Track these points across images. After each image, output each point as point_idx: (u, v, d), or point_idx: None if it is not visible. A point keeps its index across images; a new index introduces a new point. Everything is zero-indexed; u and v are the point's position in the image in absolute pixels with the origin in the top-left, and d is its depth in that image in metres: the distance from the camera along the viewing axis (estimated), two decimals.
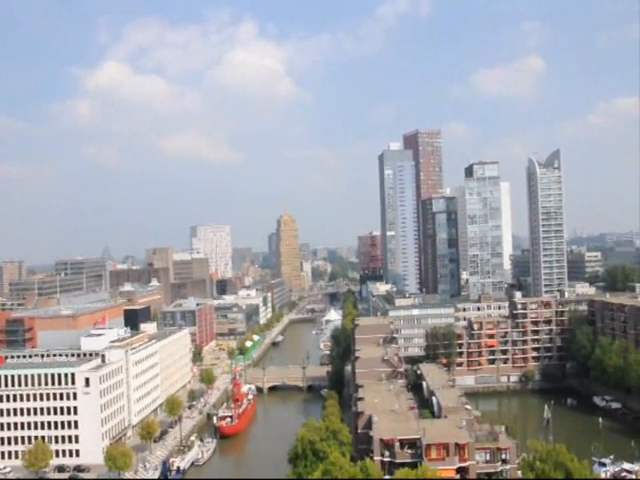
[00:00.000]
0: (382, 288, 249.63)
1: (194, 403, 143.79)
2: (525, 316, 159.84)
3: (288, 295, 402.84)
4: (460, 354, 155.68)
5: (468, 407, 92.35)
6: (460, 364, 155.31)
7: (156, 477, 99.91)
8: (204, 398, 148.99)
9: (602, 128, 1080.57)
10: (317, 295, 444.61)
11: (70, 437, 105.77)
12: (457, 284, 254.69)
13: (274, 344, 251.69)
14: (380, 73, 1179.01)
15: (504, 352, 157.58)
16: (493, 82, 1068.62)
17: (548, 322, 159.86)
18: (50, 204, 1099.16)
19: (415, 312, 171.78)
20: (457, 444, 70.70)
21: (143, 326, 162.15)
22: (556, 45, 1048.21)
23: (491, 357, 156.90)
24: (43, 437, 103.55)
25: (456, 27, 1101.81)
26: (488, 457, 72.05)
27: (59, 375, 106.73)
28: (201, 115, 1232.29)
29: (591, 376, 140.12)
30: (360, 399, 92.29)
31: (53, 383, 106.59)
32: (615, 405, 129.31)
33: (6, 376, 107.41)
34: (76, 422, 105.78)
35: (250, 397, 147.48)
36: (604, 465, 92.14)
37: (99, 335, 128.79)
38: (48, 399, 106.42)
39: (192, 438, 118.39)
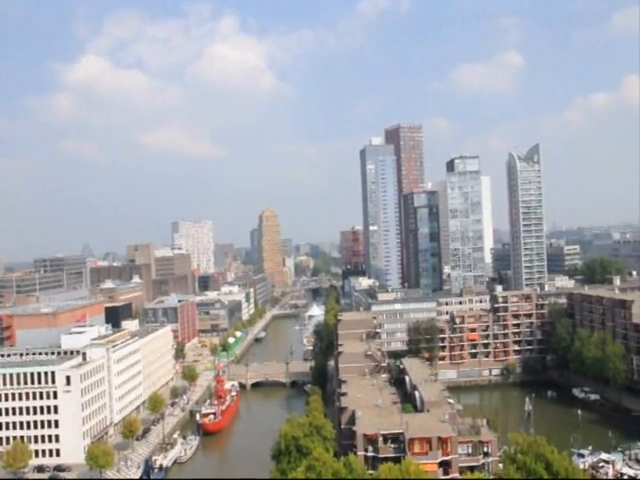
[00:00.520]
0: (364, 283, 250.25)
1: (177, 400, 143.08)
2: (506, 310, 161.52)
3: (271, 291, 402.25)
4: (442, 348, 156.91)
5: (450, 401, 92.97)
6: (442, 358, 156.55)
7: (138, 476, 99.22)
8: (187, 395, 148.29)
9: (580, 123, 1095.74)
10: (300, 290, 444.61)
11: (50, 436, 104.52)
12: (439, 278, 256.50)
13: (257, 340, 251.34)
14: (361, 68, 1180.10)
15: (486, 346, 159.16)
16: (473, 77, 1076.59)
17: (529, 315, 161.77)
18: (29, 200, 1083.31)
19: (397, 307, 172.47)
20: (440, 438, 71.23)
21: (125, 323, 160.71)
22: (534, 41, 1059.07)
23: (473, 351, 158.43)
24: (22, 437, 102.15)
25: (436, 23, 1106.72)
26: (470, 450, 72.74)
27: (39, 374, 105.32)
28: (183, 110, 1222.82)
29: (571, 368, 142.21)
30: (343, 394, 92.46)
31: (33, 382, 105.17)
32: (594, 396, 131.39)
33: None
34: (56, 421, 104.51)
35: (233, 394, 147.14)
36: (583, 456, 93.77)
37: (80, 333, 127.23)
38: (28, 398, 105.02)
39: (175, 435, 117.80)
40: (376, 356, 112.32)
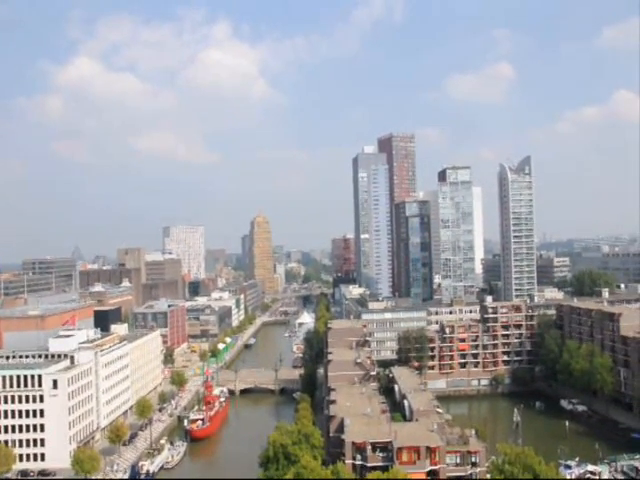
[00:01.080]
0: (355, 291, 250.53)
1: (165, 406, 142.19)
2: (496, 320, 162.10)
3: (261, 297, 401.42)
4: (432, 357, 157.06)
5: (439, 410, 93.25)
6: (432, 367, 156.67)
7: None
8: (175, 401, 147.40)
9: (570, 136, 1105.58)
10: (290, 297, 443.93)
11: (35, 441, 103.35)
12: (430, 288, 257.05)
13: (247, 346, 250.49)
14: (354, 76, 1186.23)
15: (475, 356, 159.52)
16: (465, 88, 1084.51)
17: (518, 326, 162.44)
18: (18, 201, 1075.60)
19: (388, 315, 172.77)
20: (428, 447, 71.37)
21: (114, 327, 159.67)
22: (525, 53, 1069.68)
23: (462, 361, 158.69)
24: (7, 441, 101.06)
25: (428, 34, 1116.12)
26: (458, 460, 72.88)
27: (25, 377, 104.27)
28: (175, 114, 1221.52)
29: (559, 379, 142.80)
30: (332, 402, 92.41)
31: (19, 385, 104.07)
32: (581, 408, 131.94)
33: None
34: (42, 425, 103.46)
35: (222, 400, 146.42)
36: (570, 467, 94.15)
37: (68, 336, 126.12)
38: (13, 402, 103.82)
39: (162, 441, 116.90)
40: (366, 364, 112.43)
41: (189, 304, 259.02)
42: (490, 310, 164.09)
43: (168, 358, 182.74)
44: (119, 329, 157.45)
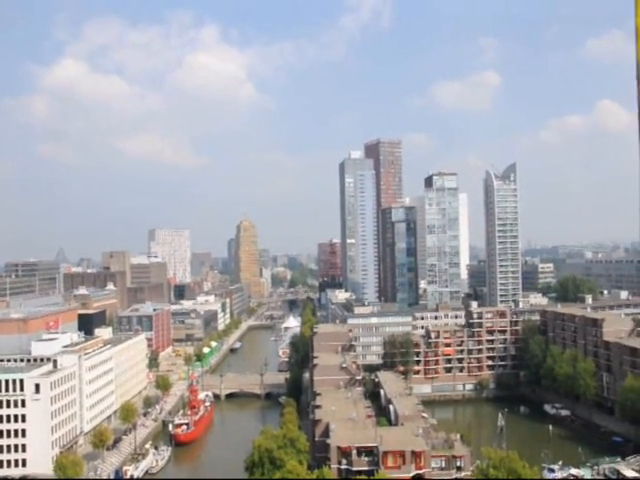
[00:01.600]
0: (341, 296, 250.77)
1: (149, 410, 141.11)
2: (481, 325, 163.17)
3: (247, 301, 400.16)
4: (417, 362, 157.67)
5: (424, 415, 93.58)
6: (417, 372, 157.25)
7: None
8: (160, 405, 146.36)
9: (555, 144, 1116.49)
10: (276, 302, 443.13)
11: (17, 446, 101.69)
12: (415, 293, 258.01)
13: (232, 351, 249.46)
14: (342, 81, 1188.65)
15: (460, 361, 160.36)
16: (452, 94, 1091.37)
17: (503, 331, 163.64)
18: (2, 202, 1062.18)
19: (373, 320, 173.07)
20: (413, 452, 71.68)
21: (98, 331, 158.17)
22: (511, 62, 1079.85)
23: (447, 365, 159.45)
24: None
25: (416, 40, 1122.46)
26: (443, 464, 73.27)
27: (7, 381, 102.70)
28: (162, 117, 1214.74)
29: (543, 384, 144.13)
30: (318, 407, 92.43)
31: (0, 390, 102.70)
32: (564, 412, 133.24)
33: None
34: (24, 430, 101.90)
35: (207, 404, 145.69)
36: (553, 471, 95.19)
37: (51, 340, 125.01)
38: None
39: (146, 446, 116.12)
40: (351, 369, 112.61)
41: (174, 308, 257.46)
42: (475, 315, 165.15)
43: (153, 362, 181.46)
44: (103, 333, 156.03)
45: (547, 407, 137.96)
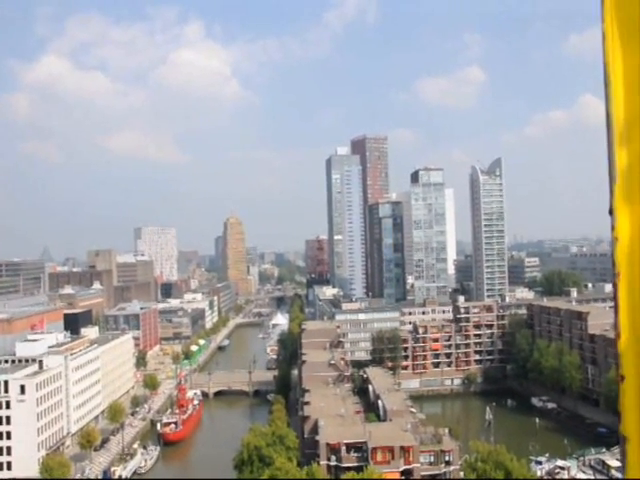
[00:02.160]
0: (329, 292, 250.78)
1: (137, 409, 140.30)
2: (468, 320, 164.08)
3: (235, 299, 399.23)
4: (405, 358, 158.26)
5: (413, 410, 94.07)
6: (405, 367, 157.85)
7: None
8: (148, 404, 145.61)
9: (539, 139, 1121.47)
10: (264, 299, 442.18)
11: (2, 449, 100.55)
12: (403, 288, 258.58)
13: (220, 348, 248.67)
14: (327, 78, 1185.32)
15: (448, 355, 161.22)
16: (437, 90, 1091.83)
17: (490, 326, 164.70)
18: None
19: (361, 316, 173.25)
20: (402, 447, 71.97)
21: (84, 330, 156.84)
22: (495, 58, 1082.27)
23: (435, 360, 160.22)
24: None
25: (400, 37, 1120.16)
26: (432, 459, 73.65)
27: None
28: (147, 114, 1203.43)
29: (529, 378, 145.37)
30: (306, 403, 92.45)
31: None
32: (551, 405, 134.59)
33: None
34: (9, 433, 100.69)
35: (195, 403, 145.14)
36: (540, 463, 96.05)
37: (36, 340, 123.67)
38: None
39: (135, 446, 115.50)
40: (339, 365, 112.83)
41: (161, 306, 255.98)
42: (462, 310, 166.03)
43: (140, 361, 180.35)
44: (90, 332, 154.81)
45: (534, 400, 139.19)
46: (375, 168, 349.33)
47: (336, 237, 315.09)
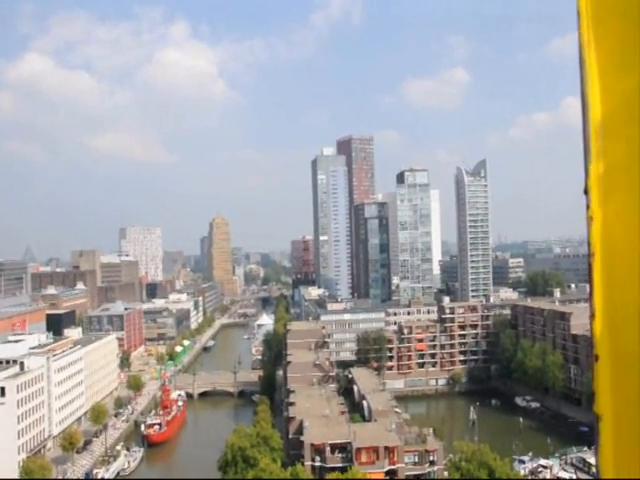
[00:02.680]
0: (314, 293, 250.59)
1: (121, 411, 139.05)
2: (453, 320, 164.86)
3: (220, 299, 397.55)
4: (390, 358, 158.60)
5: (398, 410, 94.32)
6: (390, 368, 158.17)
7: None
8: (131, 405, 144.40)
9: (523, 141, 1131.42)
10: (249, 299, 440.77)
11: None
12: (388, 289, 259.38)
13: (205, 349, 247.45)
14: (313, 78, 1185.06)
15: (433, 356, 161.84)
16: (422, 92, 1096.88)
17: (474, 326, 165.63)
18: None
19: (347, 317, 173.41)
20: (387, 447, 72.09)
21: (67, 331, 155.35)
22: (480, 60, 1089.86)
23: (420, 361, 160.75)
24: None
25: (386, 38, 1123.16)
26: (417, 459, 73.88)
27: None
28: (132, 114, 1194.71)
29: (513, 377, 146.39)
30: (291, 404, 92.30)
31: None
32: (534, 405, 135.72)
33: None
34: None
35: (180, 403, 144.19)
36: (523, 462, 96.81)
37: (18, 341, 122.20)
38: None
39: (118, 447, 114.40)
40: (325, 366, 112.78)
41: (146, 307, 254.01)
42: (447, 311, 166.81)
43: (124, 362, 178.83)
44: (73, 333, 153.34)
45: (518, 400, 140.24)
46: (361, 169, 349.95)
47: (322, 238, 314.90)
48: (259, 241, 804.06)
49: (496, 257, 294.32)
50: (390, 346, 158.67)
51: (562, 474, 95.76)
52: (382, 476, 71.13)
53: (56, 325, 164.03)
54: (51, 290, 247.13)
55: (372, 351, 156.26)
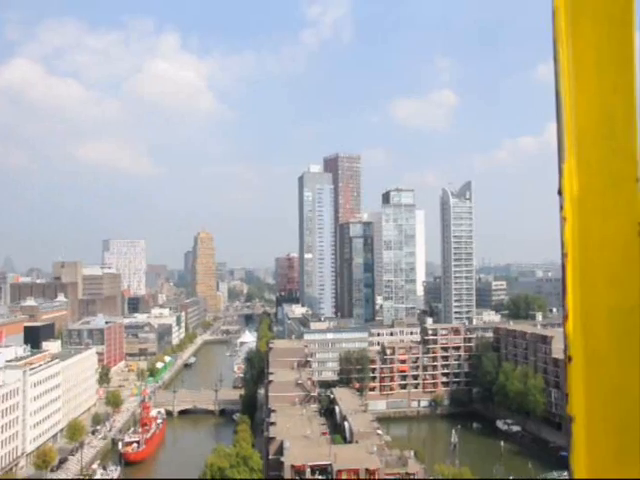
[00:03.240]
0: (298, 311, 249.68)
1: (98, 428, 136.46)
2: (435, 342, 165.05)
3: (203, 315, 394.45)
4: (373, 379, 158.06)
5: (379, 432, 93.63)
6: (373, 389, 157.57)
7: None
8: (109, 422, 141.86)
9: (508, 164, 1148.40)
10: (233, 316, 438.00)
11: None
12: (372, 309, 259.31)
13: (186, 366, 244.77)
14: (302, 95, 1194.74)
15: (415, 377, 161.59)
16: (410, 112, 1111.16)
17: (457, 348, 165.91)
18: None
19: (330, 336, 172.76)
20: (367, 469, 71.49)
21: (45, 344, 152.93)
22: (466, 83, 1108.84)
23: (403, 382, 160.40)
24: None
25: (375, 57, 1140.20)
26: None
27: None
28: (120, 124, 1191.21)
29: (495, 401, 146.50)
30: (272, 424, 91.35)
31: None
32: (516, 428, 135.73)
33: None
34: None
35: (159, 421, 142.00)
36: None
37: None
38: None
39: (94, 466, 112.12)
40: (307, 385, 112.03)
41: (127, 321, 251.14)
42: (430, 332, 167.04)
43: (104, 377, 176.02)
44: (51, 346, 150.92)
45: (499, 423, 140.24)
46: (347, 187, 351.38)
47: (306, 255, 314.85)
48: (244, 257, 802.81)
49: (479, 279, 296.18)
50: (373, 366, 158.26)
51: None
52: None
53: (34, 338, 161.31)
54: (30, 301, 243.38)
55: (354, 371, 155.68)
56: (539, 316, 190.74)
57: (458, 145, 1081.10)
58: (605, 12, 2.37)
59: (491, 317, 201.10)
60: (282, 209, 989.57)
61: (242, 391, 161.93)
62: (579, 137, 2.47)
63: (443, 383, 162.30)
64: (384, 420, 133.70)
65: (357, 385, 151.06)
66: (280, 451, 79.18)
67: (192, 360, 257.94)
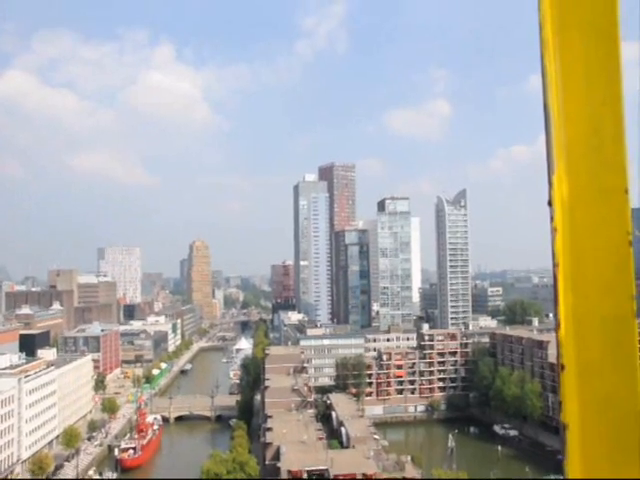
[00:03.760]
0: (294, 317, 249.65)
1: (94, 434, 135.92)
2: (432, 347, 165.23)
3: (199, 322, 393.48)
4: (369, 384, 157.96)
5: (376, 437, 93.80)
6: (369, 394, 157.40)
7: None
8: (105, 429, 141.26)
9: (502, 172, 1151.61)
10: (229, 323, 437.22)
11: None
12: (368, 315, 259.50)
13: (182, 372, 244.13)
14: (297, 105, 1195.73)
15: (412, 382, 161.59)
16: (404, 122, 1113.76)
17: (453, 353, 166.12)
18: None
19: (326, 342, 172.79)
20: (364, 474, 71.54)
21: (41, 352, 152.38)
22: (461, 93, 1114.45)
23: (399, 387, 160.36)
24: None
25: (370, 68, 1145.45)
26: None
27: None
28: (114, 135, 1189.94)
29: (492, 405, 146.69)
30: (269, 429, 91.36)
31: None
32: (513, 433, 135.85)
33: None
34: None
35: (155, 427, 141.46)
36: None
37: None
38: None
39: (90, 472, 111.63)
40: (303, 391, 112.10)
41: (123, 328, 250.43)
42: (426, 338, 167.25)
43: (100, 384, 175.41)
44: (47, 354, 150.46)
45: (496, 428, 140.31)
46: (342, 196, 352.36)
47: (302, 263, 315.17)
48: (239, 265, 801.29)
49: (475, 285, 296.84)
50: (369, 372, 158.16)
51: None
52: None
53: (29, 346, 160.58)
54: (25, 310, 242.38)
55: (351, 377, 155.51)
56: (535, 321, 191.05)
57: (453, 154, 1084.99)
58: (591, 24, 2.40)
59: (487, 322, 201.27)
60: (278, 218, 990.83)
61: (238, 397, 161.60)
62: (568, 149, 2.47)
63: (440, 388, 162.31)
64: (381, 425, 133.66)
65: (354, 391, 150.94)
66: (277, 456, 79.17)
67: (188, 367, 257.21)
